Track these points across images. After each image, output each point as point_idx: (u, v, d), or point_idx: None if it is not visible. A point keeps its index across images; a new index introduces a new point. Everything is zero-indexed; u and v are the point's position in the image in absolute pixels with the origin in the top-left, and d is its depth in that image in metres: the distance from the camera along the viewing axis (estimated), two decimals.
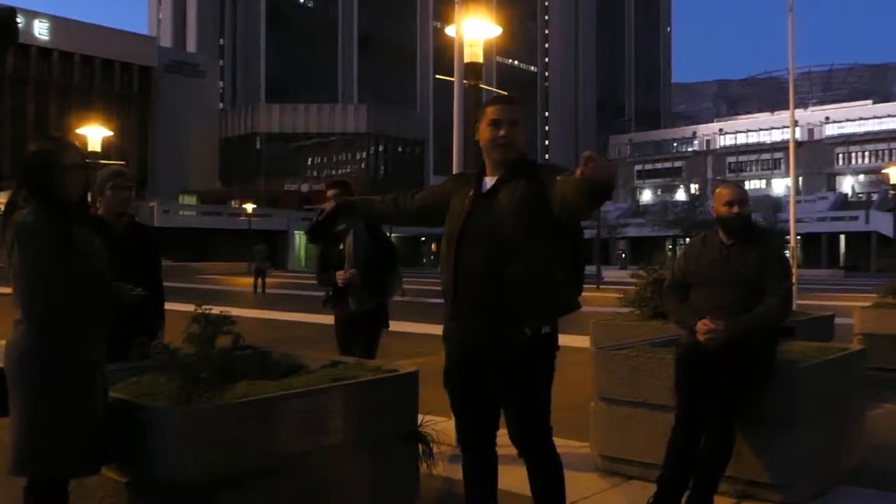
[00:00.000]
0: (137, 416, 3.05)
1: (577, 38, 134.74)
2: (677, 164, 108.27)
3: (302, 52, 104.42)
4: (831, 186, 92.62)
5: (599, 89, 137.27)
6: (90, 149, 25.80)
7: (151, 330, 4.09)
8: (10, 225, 2.95)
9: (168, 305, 4.68)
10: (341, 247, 5.58)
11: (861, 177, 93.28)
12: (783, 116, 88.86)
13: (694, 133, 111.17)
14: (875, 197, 77.60)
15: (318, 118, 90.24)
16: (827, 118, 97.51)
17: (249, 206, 63.31)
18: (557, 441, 3.41)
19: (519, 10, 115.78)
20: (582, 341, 8.47)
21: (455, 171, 6.92)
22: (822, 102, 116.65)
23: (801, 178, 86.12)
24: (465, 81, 8.93)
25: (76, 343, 2.97)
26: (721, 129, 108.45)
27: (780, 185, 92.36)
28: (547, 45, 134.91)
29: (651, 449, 4.56)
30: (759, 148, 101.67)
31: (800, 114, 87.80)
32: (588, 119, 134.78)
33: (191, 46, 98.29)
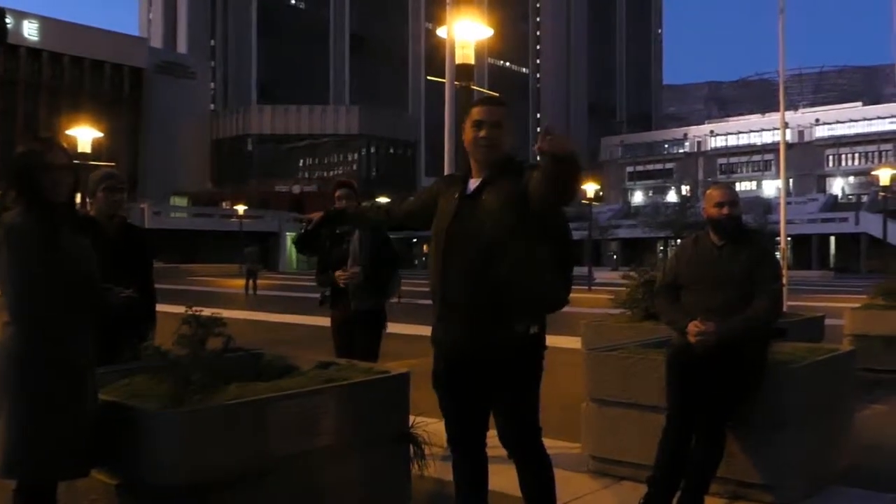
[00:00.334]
0: (128, 418, 3.04)
1: (568, 40, 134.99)
2: (668, 165, 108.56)
3: (293, 54, 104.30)
4: (821, 188, 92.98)
5: (591, 91, 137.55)
6: (80, 150, 25.73)
7: (142, 331, 4.08)
8: None
9: (159, 307, 4.67)
10: (344, 246, 5.57)
11: (851, 178, 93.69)
12: (774, 118, 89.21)
13: (685, 135, 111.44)
14: (865, 198, 77.92)
15: (310, 119, 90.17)
16: (817, 120, 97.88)
17: (241, 208, 63.19)
18: (548, 442, 3.41)
19: (510, 11, 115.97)
20: (573, 342, 8.47)
21: (447, 172, 6.93)
22: (812, 104, 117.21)
23: (791, 180, 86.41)
24: (456, 83, 8.95)
25: (65, 344, 2.96)
26: (712, 131, 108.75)
27: (771, 187, 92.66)
28: (539, 47, 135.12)
29: (642, 450, 4.56)
30: (750, 149, 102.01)
31: (790, 116, 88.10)
32: (580, 121, 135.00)
33: (182, 47, 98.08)
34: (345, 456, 3.51)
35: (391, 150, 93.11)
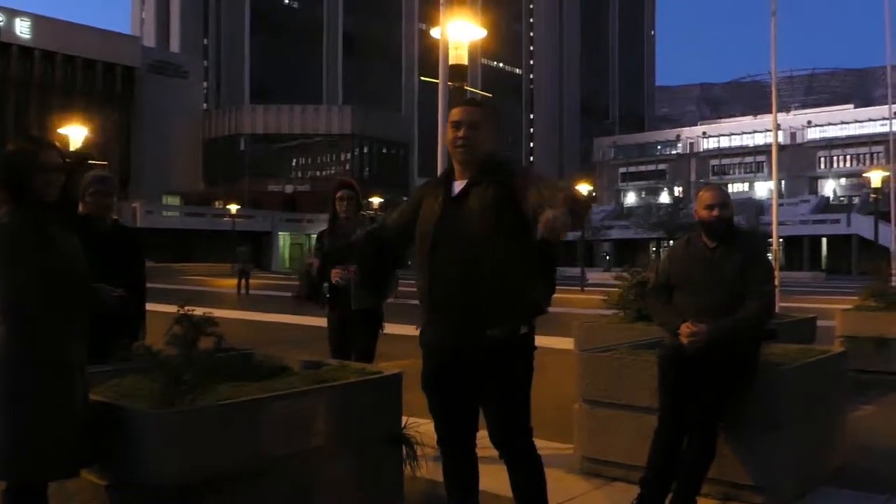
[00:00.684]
0: (119, 418, 3.02)
1: (561, 41, 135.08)
2: (661, 166, 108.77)
3: (286, 53, 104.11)
4: (813, 190, 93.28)
5: (584, 92, 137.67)
6: (72, 149, 25.66)
7: (133, 331, 4.07)
8: None
9: (151, 306, 4.66)
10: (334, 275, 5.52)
11: (843, 180, 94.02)
12: (766, 120, 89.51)
13: (678, 136, 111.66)
14: (856, 200, 78.22)
15: (303, 119, 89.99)
16: (809, 122, 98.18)
17: (233, 207, 63.13)
18: (541, 443, 3.41)
19: (504, 12, 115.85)
20: (566, 343, 8.48)
21: (440, 172, 6.92)
22: (804, 106, 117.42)
23: (783, 182, 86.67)
24: (449, 83, 8.95)
25: (55, 344, 2.95)
26: (704, 133, 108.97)
27: (763, 188, 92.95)
28: (532, 48, 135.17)
29: (634, 451, 4.57)
30: (742, 151, 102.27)
31: (782, 117, 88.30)
32: (572, 121, 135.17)
33: (174, 46, 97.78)
34: (337, 457, 3.51)
35: (384, 151, 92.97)
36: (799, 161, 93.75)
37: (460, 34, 9.10)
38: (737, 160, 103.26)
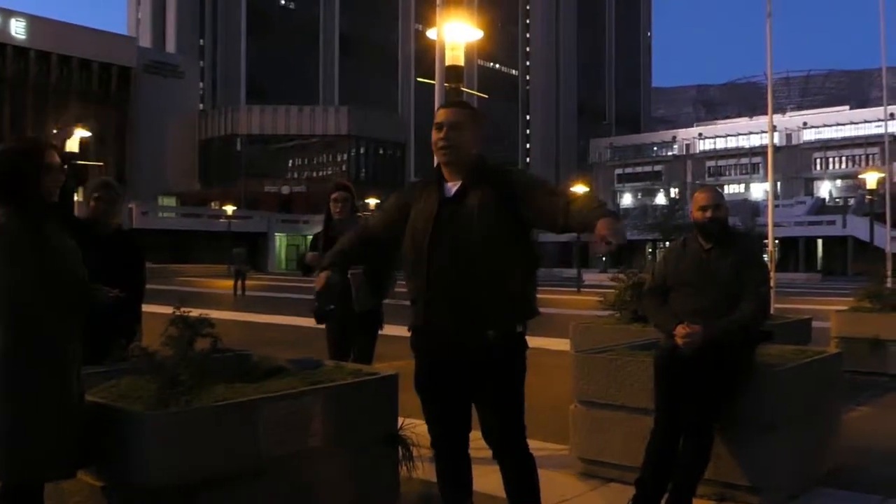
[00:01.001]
0: (115, 419, 3.02)
1: (558, 43, 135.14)
2: (657, 167, 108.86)
3: (283, 54, 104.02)
4: (809, 191, 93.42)
5: (580, 93, 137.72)
6: (67, 149, 25.61)
7: (129, 332, 4.07)
8: None
9: (147, 308, 4.66)
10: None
11: (838, 182, 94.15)
12: (762, 121, 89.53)
13: (674, 137, 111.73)
14: (852, 202, 78.38)
15: (299, 120, 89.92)
16: (805, 123, 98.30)
17: (229, 208, 63.02)
18: (536, 443, 3.42)
19: (500, 13, 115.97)
20: (562, 344, 8.49)
21: (425, 175, 6.93)
22: (800, 108, 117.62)
23: (779, 183, 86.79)
24: (446, 84, 8.94)
25: (52, 344, 2.94)
26: (700, 134, 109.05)
27: (759, 190, 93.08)
28: (528, 49, 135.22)
29: (630, 452, 4.58)
30: (738, 152, 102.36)
31: (778, 119, 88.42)
32: (569, 123, 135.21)
33: (170, 47, 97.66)
34: (333, 457, 3.51)
35: (380, 151, 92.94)
36: (795, 162, 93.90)
37: (457, 35, 9.10)
38: (733, 161, 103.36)
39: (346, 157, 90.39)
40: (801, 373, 4.82)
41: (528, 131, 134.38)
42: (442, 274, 3.21)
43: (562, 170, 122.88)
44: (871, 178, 37.25)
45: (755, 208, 65.03)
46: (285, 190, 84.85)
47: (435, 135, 3.32)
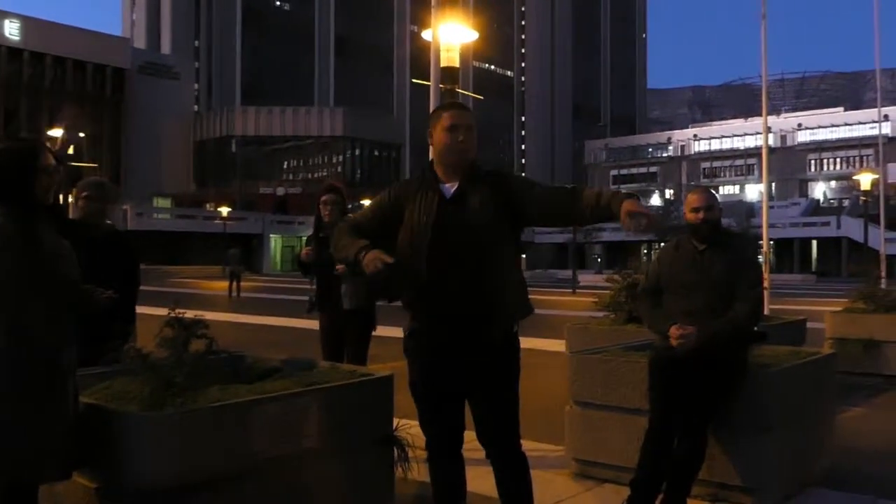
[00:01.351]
0: (109, 421, 3.02)
1: (553, 44, 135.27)
2: (652, 169, 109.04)
3: (278, 55, 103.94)
4: (804, 192, 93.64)
5: (575, 94, 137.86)
6: (60, 149, 25.53)
7: (124, 334, 4.07)
8: None
9: (141, 309, 4.66)
10: (331, 250, 5.51)
11: (833, 183, 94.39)
12: (756, 123, 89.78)
13: (669, 139, 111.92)
14: (846, 203, 78.58)
15: (294, 121, 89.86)
16: (799, 125, 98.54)
17: (224, 209, 62.97)
18: (531, 444, 3.43)
19: (495, 15, 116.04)
20: (557, 345, 8.50)
21: (416, 174, 6.95)
22: (794, 109, 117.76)
23: (773, 184, 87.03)
24: (441, 86, 8.95)
25: (44, 345, 2.93)
26: (695, 135, 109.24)
27: (754, 191, 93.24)
28: (523, 51, 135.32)
29: (625, 452, 4.59)
30: (733, 154, 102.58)
31: (773, 120, 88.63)
32: (564, 124, 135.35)
33: (165, 48, 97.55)
34: (328, 459, 3.51)
35: (376, 153, 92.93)
36: (789, 164, 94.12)
37: (452, 36, 9.10)
38: (728, 163, 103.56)
39: (341, 158, 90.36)
40: (795, 374, 4.83)
41: (522, 132, 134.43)
42: (445, 274, 3.22)
43: (557, 171, 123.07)
44: (866, 180, 37.32)
45: (750, 209, 65.10)
46: (280, 191, 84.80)
47: (450, 137, 3.31)
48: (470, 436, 3.42)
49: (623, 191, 3.18)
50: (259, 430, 3.20)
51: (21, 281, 2.89)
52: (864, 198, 39.59)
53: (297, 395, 3.41)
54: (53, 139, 26.17)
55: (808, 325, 8.94)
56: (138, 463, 2.94)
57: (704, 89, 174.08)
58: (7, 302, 2.89)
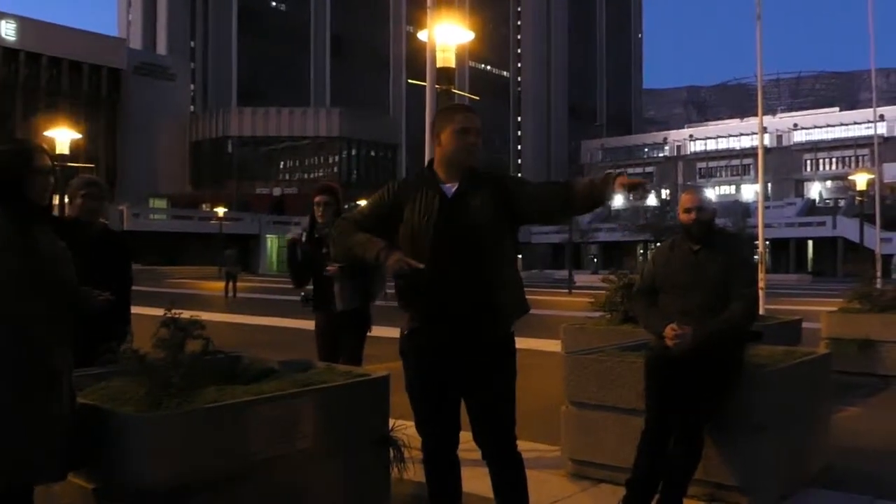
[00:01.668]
0: (105, 422, 3.02)
1: (549, 44, 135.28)
2: (648, 169, 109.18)
3: (274, 55, 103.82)
4: (799, 192, 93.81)
5: (571, 94, 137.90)
6: (58, 151, 25.52)
7: (120, 335, 4.06)
8: None
9: (138, 310, 4.65)
10: (324, 250, 5.50)
11: (828, 183, 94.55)
12: (752, 123, 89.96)
13: (665, 139, 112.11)
14: (842, 203, 78.67)
15: (290, 122, 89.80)
16: (795, 125, 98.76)
17: (220, 210, 62.88)
18: (527, 444, 3.44)
19: (491, 15, 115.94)
20: (553, 345, 8.51)
21: (414, 174, 6.97)
22: (790, 109, 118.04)
23: (769, 184, 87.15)
24: (437, 86, 8.96)
25: (40, 345, 2.93)
26: (691, 135, 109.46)
27: (750, 191, 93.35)
28: (519, 51, 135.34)
29: (621, 452, 4.59)
30: (729, 154, 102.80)
31: (768, 120, 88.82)
32: (560, 124, 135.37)
33: (161, 49, 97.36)
34: (325, 459, 3.51)
35: (372, 153, 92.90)
36: (785, 164, 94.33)
37: (448, 37, 9.11)
38: (723, 163, 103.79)
39: (337, 158, 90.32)
40: (790, 373, 4.85)
41: (519, 133, 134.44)
42: (447, 274, 3.23)
43: (553, 171, 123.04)
44: (861, 180, 37.45)
45: (746, 209, 65.20)
46: (277, 192, 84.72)
47: (463, 139, 3.35)
48: (466, 436, 3.42)
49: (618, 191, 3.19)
50: (255, 431, 3.20)
51: (21, 282, 2.88)
52: (859, 198, 39.70)
53: (293, 395, 3.41)
54: (49, 140, 26.09)
55: (804, 325, 8.96)
56: (135, 463, 2.94)
57: (700, 89, 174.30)
58: (7, 302, 2.89)
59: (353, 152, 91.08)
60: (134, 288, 4.76)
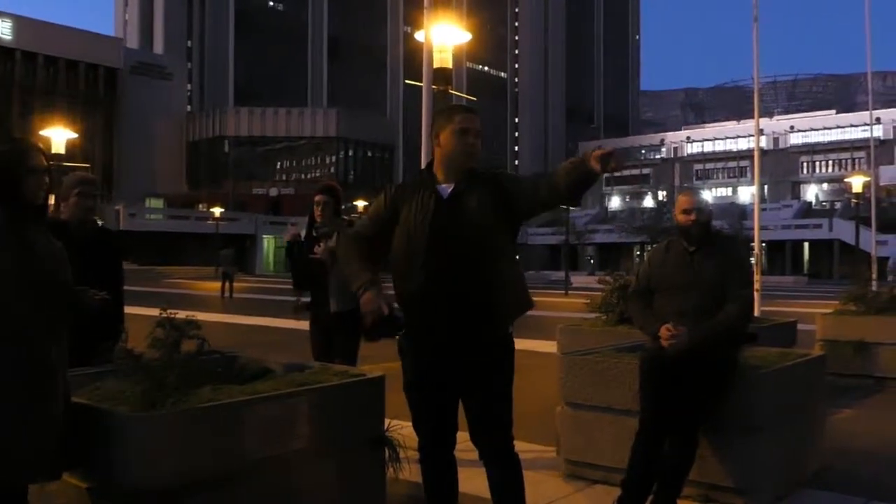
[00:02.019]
0: (101, 421, 3.01)
1: (546, 45, 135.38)
2: (645, 171, 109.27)
3: (271, 55, 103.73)
4: (796, 194, 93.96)
5: (568, 96, 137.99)
6: (54, 151, 25.49)
7: (115, 334, 4.06)
8: None
9: (133, 309, 4.65)
10: (317, 250, 5.51)
11: (825, 185, 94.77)
12: (749, 125, 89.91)
13: (662, 140, 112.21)
14: (838, 205, 78.90)
15: (287, 122, 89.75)
16: (792, 127, 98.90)
17: (217, 210, 62.79)
18: (523, 445, 3.44)
19: (489, 16, 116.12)
20: (549, 346, 8.50)
21: (411, 176, 6.98)
22: (787, 111, 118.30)
23: (766, 186, 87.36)
24: (434, 87, 8.96)
25: (33, 345, 2.93)
26: (688, 137, 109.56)
27: (746, 193, 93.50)
28: (517, 52, 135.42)
29: (616, 453, 4.60)
30: (726, 156, 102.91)
31: (765, 123, 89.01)
32: (557, 125, 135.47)
33: (158, 48, 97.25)
34: (319, 460, 3.51)
35: (369, 154, 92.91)
36: (781, 166, 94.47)
37: (445, 37, 9.11)
38: (720, 165, 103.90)
39: (334, 159, 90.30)
40: (785, 375, 4.86)
41: (516, 134, 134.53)
42: (441, 274, 3.23)
43: None
44: (857, 182, 37.51)
45: (742, 212, 65.32)
46: (273, 192, 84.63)
47: (463, 140, 3.36)
48: (463, 436, 3.43)
49: (614, 190, 3.20)
50: (251, 431, 3.20)
51: (18, 281, 2.88)
52: (855, 200, 39.76)
53: (289, 395, 3.41)
54: (45, 139, 26.06)
55: (800, 326, 8.97)
56: (130, 463, 2.94)
57: (697, 91, 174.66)
58: (3, 302, 2.88)
59: (350, 153, 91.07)
60: (130, 288, 4.76)
